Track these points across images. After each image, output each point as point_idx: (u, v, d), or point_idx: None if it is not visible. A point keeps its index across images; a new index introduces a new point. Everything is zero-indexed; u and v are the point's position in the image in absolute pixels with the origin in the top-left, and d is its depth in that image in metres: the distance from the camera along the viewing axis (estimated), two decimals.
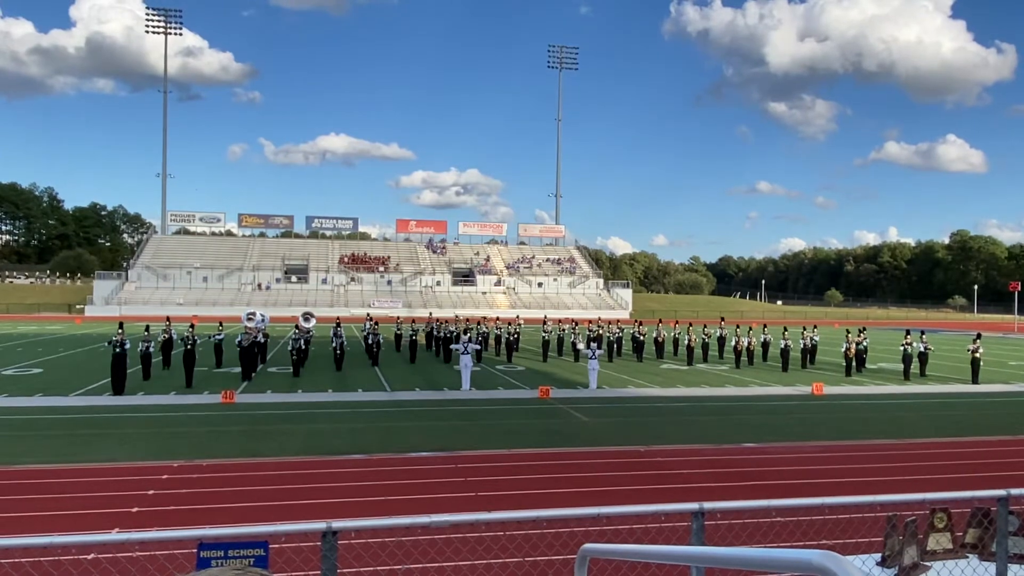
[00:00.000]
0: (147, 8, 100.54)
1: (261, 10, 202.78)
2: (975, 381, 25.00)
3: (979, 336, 27.06)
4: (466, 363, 22.62)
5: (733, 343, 30.97)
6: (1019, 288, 71.95)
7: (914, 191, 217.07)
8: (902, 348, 27.08)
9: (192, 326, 24.90)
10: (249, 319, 27.17)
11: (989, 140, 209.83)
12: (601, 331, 34.21)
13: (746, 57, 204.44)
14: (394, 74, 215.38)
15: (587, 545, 4.49)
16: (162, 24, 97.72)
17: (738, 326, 33.19)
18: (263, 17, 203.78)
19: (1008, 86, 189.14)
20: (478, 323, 38.01)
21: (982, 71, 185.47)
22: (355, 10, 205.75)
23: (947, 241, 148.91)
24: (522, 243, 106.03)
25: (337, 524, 3.55)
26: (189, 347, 22.73)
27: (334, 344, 27.41)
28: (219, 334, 27.62)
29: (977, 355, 25.46)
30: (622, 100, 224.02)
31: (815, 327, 32.28)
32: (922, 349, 27.39)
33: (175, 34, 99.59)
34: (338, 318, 33.24)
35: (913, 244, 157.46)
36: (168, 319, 30.20)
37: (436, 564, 7.60)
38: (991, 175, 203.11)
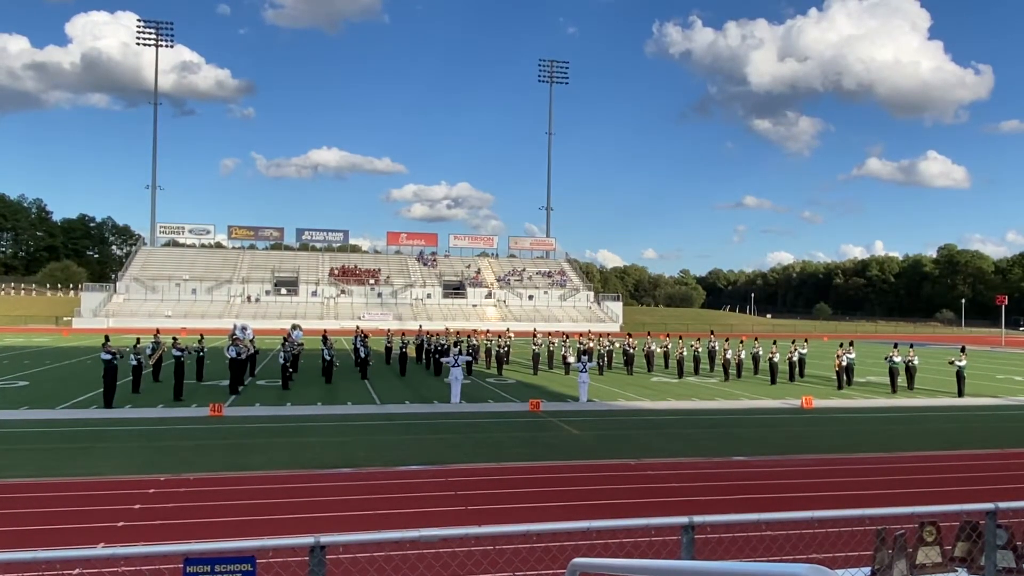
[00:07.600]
0: (139, 21, 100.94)
1: (256, 28, 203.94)
2: (960, 394, 25.09)
3: (963, 349, 27.20)
4: (456, 376, 22.55)
5: (723, 356, 31.03)
6: (1006, 302, 72.54)
7: (898, 206, 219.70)
8: (886, 360, 27.18)
9: (175, 339, 24.73)
10: (240, 330, 26.99)
11: (971, 156, 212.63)
12: (591, 344, 34.22)
13: (729, 76, 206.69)
14: (386, 89, 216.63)
15: (577, 559, 4.47)
16: (153, 36, 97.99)
17: (728, 339, 33.27)
18: (258, 35, 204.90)
19: (985, 105, 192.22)
20: (468, 336, 37.95)
21: (959, 90, 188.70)
22: (348, 28, 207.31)
23: (934, 255, 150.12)
24: (512, 256, 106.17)
25: (325, 539, 3.53)
26: (182, 360, 22.57)
27: (324, 357, 27.28)
28: (201, 350, 27.38)
29: (960, 364, 25.51)
30: (610, 116, 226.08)
31: (805, 340, 32.40)
32: (908, 363, 27.49)
33: (166, 46, 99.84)
34: (325, 331, 33.09)
35: (901, 258, 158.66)
36: (157, 331, 30.05)
37: None
38: (974, 191, 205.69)
